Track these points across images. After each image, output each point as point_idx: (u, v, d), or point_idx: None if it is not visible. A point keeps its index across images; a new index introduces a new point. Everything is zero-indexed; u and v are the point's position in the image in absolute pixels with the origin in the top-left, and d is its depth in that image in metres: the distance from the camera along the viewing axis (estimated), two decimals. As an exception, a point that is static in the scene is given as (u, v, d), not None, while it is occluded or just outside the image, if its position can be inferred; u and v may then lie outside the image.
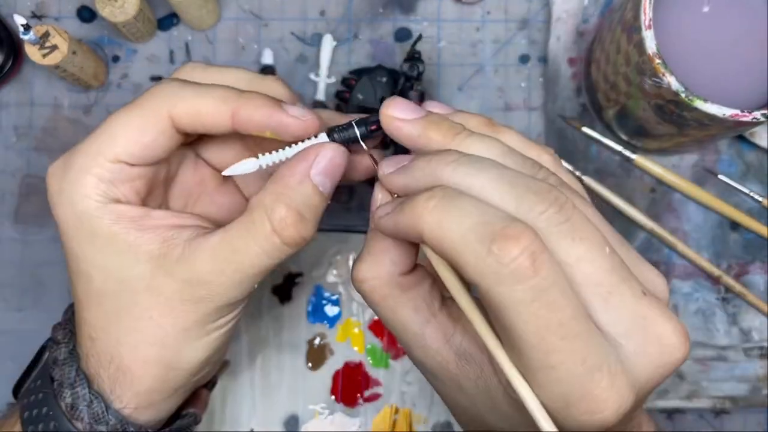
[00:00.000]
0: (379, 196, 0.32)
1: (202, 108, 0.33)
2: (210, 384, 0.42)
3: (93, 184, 0.33)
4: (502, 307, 0.25)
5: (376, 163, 0.32)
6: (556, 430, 0.26)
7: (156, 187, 0.36)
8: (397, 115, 0.31)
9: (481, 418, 0.31)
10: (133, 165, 0.34)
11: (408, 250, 0.31)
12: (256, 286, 0.35)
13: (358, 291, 0.32)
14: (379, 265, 0.31)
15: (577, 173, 0.51)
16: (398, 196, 0.31)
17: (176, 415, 0.39)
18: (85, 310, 0.35)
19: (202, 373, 0.37)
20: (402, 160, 0.31)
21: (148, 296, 0.33)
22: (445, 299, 0.32)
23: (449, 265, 0.28)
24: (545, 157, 0.31)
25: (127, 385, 0.35)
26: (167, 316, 0.34)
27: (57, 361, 0.36)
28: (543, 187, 0.27)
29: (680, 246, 0.51)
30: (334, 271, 0.51)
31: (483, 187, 0.27)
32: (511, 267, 0.25)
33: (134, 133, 0.33)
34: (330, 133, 0.33)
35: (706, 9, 0.44)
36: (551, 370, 0.25)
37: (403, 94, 0.48)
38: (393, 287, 0.31)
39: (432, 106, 0.33)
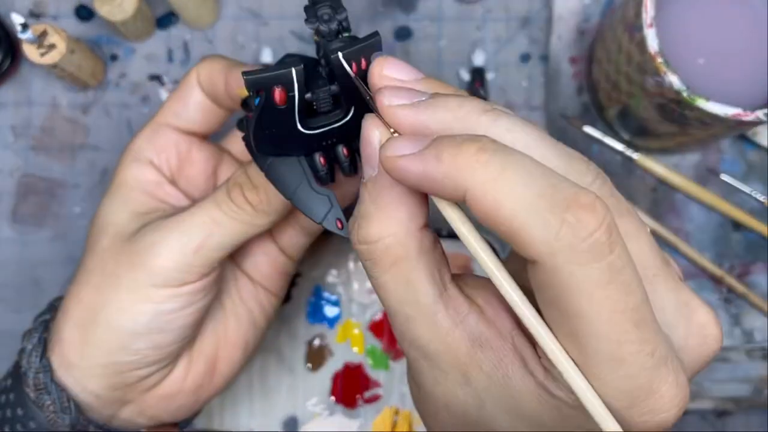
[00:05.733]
0: (377, 132, 0.25)
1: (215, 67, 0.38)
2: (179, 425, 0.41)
3: (140, 142, 0.38)
4: (572, 288, 0.22)
5: (368, 90, 0.26)
6: (621, 430, 0.23)
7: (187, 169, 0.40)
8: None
9: (488, 421, 0.26)
10: (175, 127, 0.39)
11: (422, 200, 0.26)
12: (210, 271, 0.36)
13: (365, 255, 0.26)
14: (393, 220, 0.25)
15: (579, 173, 0.50)
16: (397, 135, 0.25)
17: None
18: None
19: (133, 351, 0.36)
20: (413, 93, 0.25)
21: (106, 241, 0.36)
22: (455, 274, 0.27)
23: (503, 234, 0.22)
24: None
25: (55, 330, 0.37)
26: (109, 261, 0.36)
27: (25, 349, 0.37)
28: (581, 156, 0.24)
29: (682, 246, 0.51)
30: (334, 272, 0.51)
31: (528, 146, 0.24)
32: (589, 241, 0.21)
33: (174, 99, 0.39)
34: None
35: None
36: (620, 364, 0.22)
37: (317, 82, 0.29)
38: (411, 247, 0.25)
39: (391, 65, 0.26)
